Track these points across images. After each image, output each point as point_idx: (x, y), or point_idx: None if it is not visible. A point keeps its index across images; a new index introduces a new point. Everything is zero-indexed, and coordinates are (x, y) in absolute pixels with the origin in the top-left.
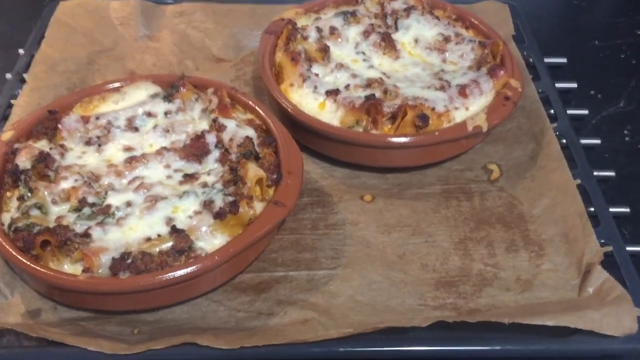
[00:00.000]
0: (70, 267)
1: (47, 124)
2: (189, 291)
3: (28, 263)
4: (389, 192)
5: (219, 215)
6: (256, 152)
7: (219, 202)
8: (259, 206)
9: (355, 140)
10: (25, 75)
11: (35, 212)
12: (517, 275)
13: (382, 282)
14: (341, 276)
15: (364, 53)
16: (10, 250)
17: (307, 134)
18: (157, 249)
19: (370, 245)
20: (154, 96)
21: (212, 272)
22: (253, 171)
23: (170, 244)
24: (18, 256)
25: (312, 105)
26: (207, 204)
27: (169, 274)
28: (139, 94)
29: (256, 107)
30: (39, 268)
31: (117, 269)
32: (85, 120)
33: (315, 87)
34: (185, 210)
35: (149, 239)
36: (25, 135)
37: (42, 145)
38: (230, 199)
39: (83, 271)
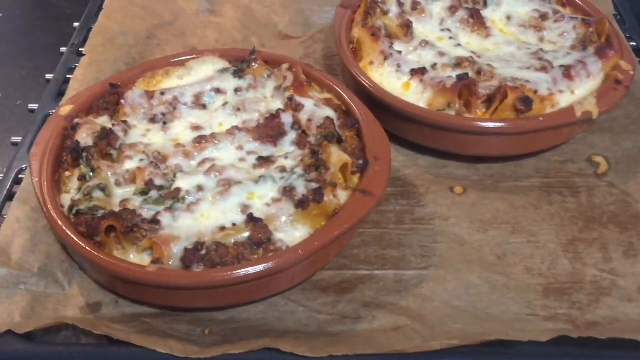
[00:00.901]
0: (136, 257)
1: (109, 99)
2: (267, 289)
3: (92, 251)
4: (481, 184)
5: (301, 204)
6: (338, 135)
7: (300, 189)
8: (342, 195)
9: (447, 124)
10: (82, 49)
11: (98, 194)
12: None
13: (482, 286)
14: (433, 277)
15: (449, 30)
16: (72, 235)
17: (389, 116)
18: (233, 240)
19: (464, 244)
20: (222, 72)
21: (293, 268)
22: (337, 155)
23: (246, 234)
24: (80, 243)
25: (394, 85)
26: (287, 191)
27: (248, 269)
28: (206, 69)
29: (335, 86)
30: (105, 257)
31: (190, 261)
32: (149, 95)
33: (399, 66)
34: (262, 197)
35: (223, 228)
36: (85, 110)
37: (103, 121)
38: (314, 185)
39: (152, 262)
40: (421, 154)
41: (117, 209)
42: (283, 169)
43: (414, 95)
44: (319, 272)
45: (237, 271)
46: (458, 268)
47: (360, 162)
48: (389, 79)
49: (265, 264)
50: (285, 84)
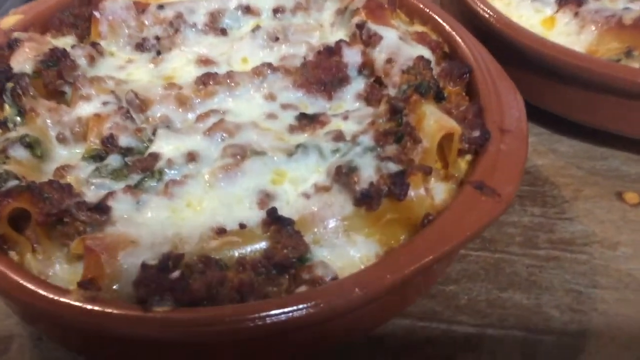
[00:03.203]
0: (64, 269)
1: (79, 11)
2: (290, 351)
3: None
4: None
5: (365, 199)
6: (437, 86)
7: (367, 172)
8: (439, 189)
9: (626, 83)
10: None
11: (19, 153)
12: None
13: None
14: (592, 354)
15: None
16: None
17: (518, 69)
18: (237, 253)
19: None
20: None
21: (343, 317)
22: (435, 119)
23: (262, 245)
24: None
25: (529, 20)
26: (343, 174)
27: (259, 316)
28: None
29: (433, 13)
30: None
31: (147, 291)
32: (140, 8)
33: None
34: (296, 182)
35: (221, 231)
36: (40, 25)
37: (65, 43)
38: (392, 167)
39: (80, 284)
40: (565, 135)
41: (46, 179)
42: (338, 136)
43: (563, 37)
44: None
45: (236, 318)
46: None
47: (475, 133)
48: (520, 10)
49: (294, 310)
50: (355, 4)
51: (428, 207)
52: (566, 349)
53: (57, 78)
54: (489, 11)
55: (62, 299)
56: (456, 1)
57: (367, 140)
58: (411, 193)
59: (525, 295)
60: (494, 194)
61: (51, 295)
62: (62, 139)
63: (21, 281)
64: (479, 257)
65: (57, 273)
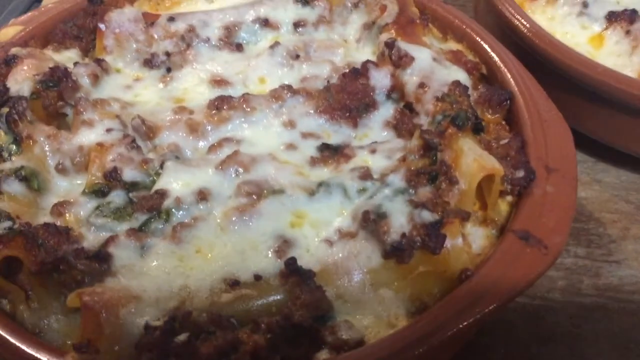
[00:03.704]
0: (60, 321)
1: (83, 22)
2: None
3: None
4: None
5: (395, 252)
6: (476, 117)
7: (397, 221)
8: (477, 234)
9: None
10: None
11: (14, 188)
12: None
13: None
14: None
15: None
16: None
17: (559, 88)
18: (251, 309)
19: None
20: None
21: None
22: (475, 157)
23: (278, 298)
24: None
25: (576, 37)
26: (370, 221)
27: None
28: None
29: (469, 30)
30: None
31: (152, 355)
32: (149, 20)
33: (584, 5)
34: (318, 225)
35: (234, 282)
36: (41, 37)
37: (67, 58)
38: (427, 217)
39: (75, 348)
40: (611, 164)
41: (44, 218)
42: (366, 174)
43: (613, 58)
44: None
45: None
46: None
47: (520, 174)
48: (565, 27)
49: None
50: (383, 20)
51: (465, 259)
52: None
53: (57, 100)
54: (529, 26)
55: None
56: (492, 13)
57: (397, 180)
58: (447, 244)
59: (568, 352)
60: (541, 245)
61: (44, 359)
62: (61, 170)
63: (11, 339)
64: (516, 303)
65: (52, 325)
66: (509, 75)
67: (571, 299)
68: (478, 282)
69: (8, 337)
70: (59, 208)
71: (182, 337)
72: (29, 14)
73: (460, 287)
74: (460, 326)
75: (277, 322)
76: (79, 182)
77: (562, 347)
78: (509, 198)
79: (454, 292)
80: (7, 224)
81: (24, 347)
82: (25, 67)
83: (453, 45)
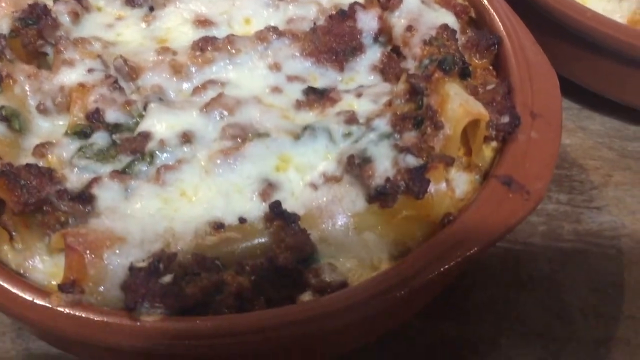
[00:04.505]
0: (45, 261)
1: None
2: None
3: None
4: None
5: (379, 196)
6: (464, 62)
7: (382, 164)
8: (460, 181)
9: None
10: None
11: None
12: None
13: None
14: None
15: None
16: None
17: (551, 38)
18: (235, 252)
19: None
20: None
21: (353, 328)
22: (460, 102)
23: (263, 241)
24: None
25: None
26: (355, 165)
27: (260, 328)
28: None
29: None
30: None
31: (135, 296)
32: None
33: None
34: (303, 169)
35: (219, 226)
36: None
37: None
38: (411, 161)
39: (60, 287)
40: (596, 111)
41: (26, 159)
42: (351, 118)
43: (603, 3)
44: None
45: (234, 331)
46: None
47: (505, 119)
48: None
49: (298, 323)
50: None
51: (448, 204)
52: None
53: (37, 38)
54: None
55: (40, 303)
56: None
57: (383, 125)
58: (431, 189)
59: (546, 295)
60: (523, 190)
61: (29, 298)
62: (43, 110)
63: None
64: (497, 248)
65: (37, 266)
66: (497, 19)
67: (551, 244)
68: (460, 226)
69: None
70: (41, 149)
71: (167, 278)
72: None
73: (442, 231)
74: (442, 269)
75: (261, 264)
76: (61, 122)
77: (540, 291)
78: (494, 144)
79: (436, 235)
80: None
81: (8, 286)
82: (3, 4)
83: None
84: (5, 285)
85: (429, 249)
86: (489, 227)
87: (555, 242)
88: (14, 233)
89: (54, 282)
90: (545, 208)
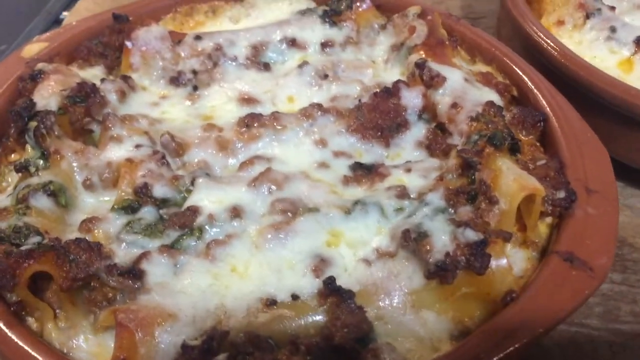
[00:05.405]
0: (90, 341)
1: (109, 39)
2: None
3: None
4: None
5: (439, 272)
6: (512, 137)
7: (439, 241)
8: (517, 256)
9: None
10: None
11: (42, 203)
12: None
13: None
14: None
15: None
16: None
17: (588, 111)
18: (288, 329)
19: None
20: (304, 13)
21: None
22: (515, 177)
23: (317, 319)
24: None
25: (605, 62)
26: (411, 240)
27: None
28: (277, 9)
29: (498, 52)
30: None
31: None
32: (176, 39)
33: (612, 30)
34: (355, 244)
35: (271, 302)
36: (65, 54)
37: (92, 75)
38: (471, 235)
39: None
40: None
41: (72, 235)
42: (402, 193)
43: None
44: None
45: None
46: None
47: (560, 195)
48: (594, 51)
49: None
50: (413, 40)
51: (510, 280)
52: None
53: (84, 115)
54: (559, 49)
55: None
56: (519, 36)
57: (436, 199)
58: (492, 265)
59: None
60: (586, 267)
61: None
62: (89, 186)
63: (41, 359)
64: (552, 330)
65: (82, 345)
66: (540, 97)
67: (609, 326)
68: (524, 305)
69: (38, 356)
70: (88, 224)
71: (222, 357)
72: (53, 31)
73: (505, 310)
74: (507, 351)
75: (316, 343)
76: (106, 198)
77: None
78: (549, 220)
79: (499, 314)
80: (37, 238)
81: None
82: (52, 83)
83: (482, 68)
84: None
85: (493, 329)
86: (554, 306)
87: (614, 324)
88: (58, 310)
89: None
90: (600, 288)
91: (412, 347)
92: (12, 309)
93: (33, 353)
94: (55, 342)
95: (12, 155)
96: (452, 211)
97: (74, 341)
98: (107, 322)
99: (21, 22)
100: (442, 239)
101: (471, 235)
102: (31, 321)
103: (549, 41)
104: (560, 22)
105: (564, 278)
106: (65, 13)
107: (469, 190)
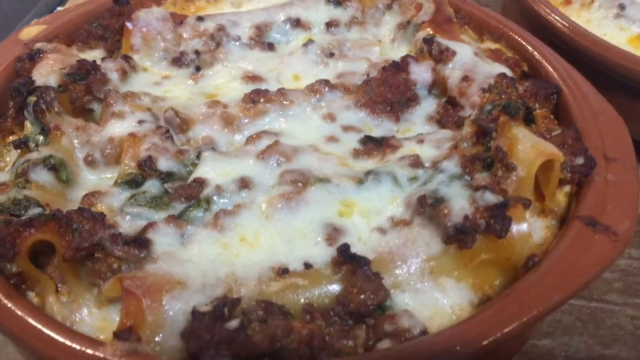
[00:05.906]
0: (94, 314)
1: (109, 22)
2: None
3: None
4: None
5: (457, 236)
6: (527, 107)
7: (457, 204)
8: (536, 224)
9: None
10: None
11: (42, 177)
12: None
13: None
14: None
15: None
16: None
17: (604, 88)
18: (302, 298)
19: None
20: None
21: None
22: (532, 143)
23: (333, 288)
24: None
25: (615, 38)
26: (427, 205)
27: None
28: None
29: (507, 29)
30: (13, 311)
31: (199, 344)
32: (177, 20)
33: (622, 8)
34: (368, 213)
35: (283, 271)
36: (65, 36)
37: (92, 57)
38: (490, 198)
39: (116, 334)
40: None
41: (71, 207)
42: (416, 162)
43: None
44: None
45: None
46: None
47: (579, 161)
48: (603, 29)
49: None
50: (420, 18)
51: (532, 245)
52: None
53: (85, 93)
54: (569, 25)
55: (95, 353)
56: (526, 14)
57: (452, 166)
58: (512, 229)
59: (634, 353)
60: (609, 231)
61: (81, 348)
62: (90, 162)
63: (43, 329)
64: (572, 305)
65: (85, 319)
66: (552, 71)
67: (629, 301)
68: (547, 271)
69: (40, 326)
70: (90, 198)
71: (234, 323)
72: (52, 14)
73: (527, 275)
74: (532, 314)
75: (332, 309)
76: (108, 175)
77: (626, 350)
78: (567, 188)
79: (522, 279)
80: (37, 210)
81: (58, 336)
82: (51, 62)
83: (491, 45)
84: (56, 336)
85: (517, 294)
86: (578, 270)
87: (634, 299)
88: (59, 285)
89: (102, 337)
90: (619, 264)
91: (431, 315)
92: (11, 281)
93: (34, 323)
94: (58, 316)
95: (10, 137)
96: (468, 178)
97: (77, 315)
98: (112, 292)
99: (16, 16)
100: (460, 202)
101: (491, 197)
102: (32, 296)
103: (558, 18)
104: (568, 2)
105: (587, 242)
106: (59, 8)
107: (485, 157)
